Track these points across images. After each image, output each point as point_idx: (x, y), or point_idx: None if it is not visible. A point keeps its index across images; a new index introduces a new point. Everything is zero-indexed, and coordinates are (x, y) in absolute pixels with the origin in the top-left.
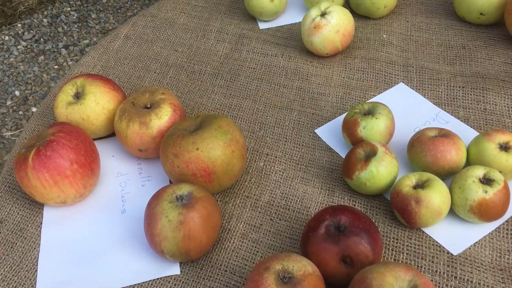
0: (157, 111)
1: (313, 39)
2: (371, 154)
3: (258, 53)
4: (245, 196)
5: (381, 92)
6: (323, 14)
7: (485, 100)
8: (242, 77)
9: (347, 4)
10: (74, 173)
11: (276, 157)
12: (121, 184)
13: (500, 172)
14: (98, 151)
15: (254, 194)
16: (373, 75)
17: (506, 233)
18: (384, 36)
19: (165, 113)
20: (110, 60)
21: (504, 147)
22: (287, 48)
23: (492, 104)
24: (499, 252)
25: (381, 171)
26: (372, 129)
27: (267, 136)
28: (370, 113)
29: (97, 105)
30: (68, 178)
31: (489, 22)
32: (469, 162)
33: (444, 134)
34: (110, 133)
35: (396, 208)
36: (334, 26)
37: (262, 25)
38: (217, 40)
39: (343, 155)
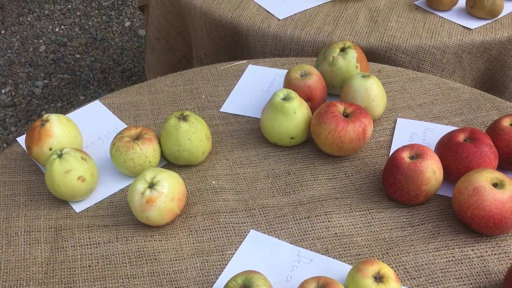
0: None
1: (148, 214)
2: None
3: (87, 244)
4: None
5: (238, 248)
6: (151, 185)
7: (332, 224)
8: (80, 283)
9: (163, 158)
10: None
11: None
12: None
13: None
14: None
15: None
16: (221, 230)
17: None
18: (213, 182)
19: None
20: None
21: (378, 278)
22: (120, 228)
23: (339, 226)
24: None
25: None
26: None
27: None
28: (246, 286)
29: None
30: None
31: (299, 143)
32: None
33: (323, 285)
34: None
35: None
36: (168, 195)
37: (77, 207)
38: (29, 244)
39: None
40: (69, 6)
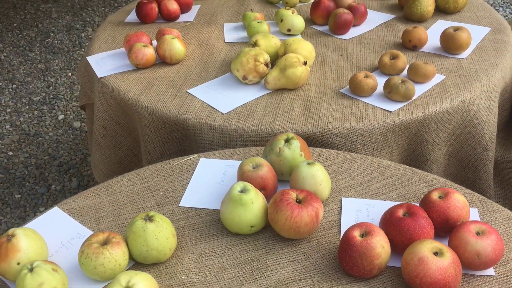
0: None
1: None
2: None
3: None
4: None
5: None
6: None
7: None
8: None
9: (131, 259)
10: None
11: None
12: None
13: None
14: None
15: None
16: None
17: None
18: (183, 277)
19: None
20: None
21: None
22: None
23: None
24: None
25: None
26: None
27: None
28: None
29: None
30: None
31: (259, 230)
32: None
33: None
34: None
35: None
36: None
37: None
38: None
39: None
40: None
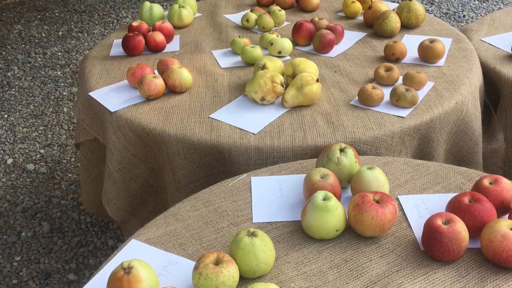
0: None
1: None
2: None
3: None
4: None
5: None
6: None
7: None
8: None
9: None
10: None
11: None
12: None
13: None
14: None
15: None
16: None
17: None
18: (292, 285)
19: None
20: None
21: None
22: None
23: None
24: None
25: None
26: None
27: None
28: None
29: None
30: None
31: (340, 233)
32: None
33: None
34: None
35: None
36: None
37: None
38: None
39: None
40: None
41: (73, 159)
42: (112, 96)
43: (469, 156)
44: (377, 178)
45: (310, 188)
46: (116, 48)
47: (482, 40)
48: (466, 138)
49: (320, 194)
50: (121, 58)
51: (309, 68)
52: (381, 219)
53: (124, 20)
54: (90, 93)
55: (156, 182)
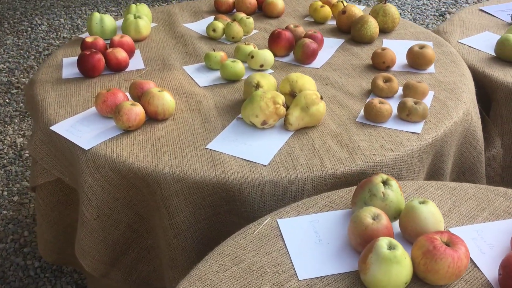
0: None
1: None
2: None
3: None
4: None
5: None
6: None
7: None
8: None
9: None
10: None
11: None
12: None
13: None
14: None
15: None
16: None
17: None
18: None
19: None
20: None
21: None
22: None
23: None
24: None
25: None
26: None
27: None
28: None
29: None
30: None
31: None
32: None
33: None
34: None
35: None
36: None
37: None
38: None
39: None
40: None
41: (5, 193)
42: (80, 130)
43: (474, 166)
44: (434, 213)
45: (362, 233)
46: (69, 68)
47: (460, 42)
48: (471, 148)
49: (383, 243)
50: (78, 81)
51: (307, 84)
52: (458, 266)
53: (39, 28)
54: (52, 127)
55: (141, 226)
